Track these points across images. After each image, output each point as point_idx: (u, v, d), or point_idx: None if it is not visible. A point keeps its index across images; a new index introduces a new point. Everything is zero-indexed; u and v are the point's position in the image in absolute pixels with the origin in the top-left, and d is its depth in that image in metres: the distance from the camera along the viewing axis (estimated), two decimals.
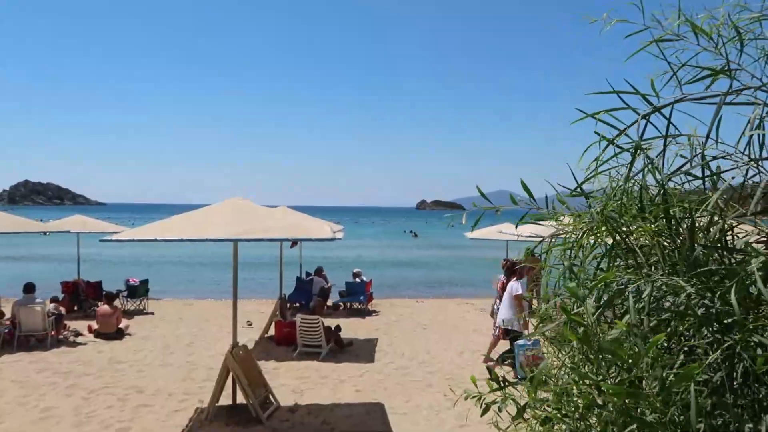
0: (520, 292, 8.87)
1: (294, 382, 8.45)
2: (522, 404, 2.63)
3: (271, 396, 7.30)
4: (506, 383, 2.80)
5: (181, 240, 6.03)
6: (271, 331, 11.45)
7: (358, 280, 15.57)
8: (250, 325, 12.97)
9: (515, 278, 9.15)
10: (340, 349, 10.53)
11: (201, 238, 6.12)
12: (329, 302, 15.64)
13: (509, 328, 9.00)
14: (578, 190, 2.34)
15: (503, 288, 9.53)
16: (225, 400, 7.19)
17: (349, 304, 15.40)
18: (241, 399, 7.03)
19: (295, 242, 16.64)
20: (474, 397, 2.75)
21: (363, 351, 10.52)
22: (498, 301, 10.04)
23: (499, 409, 2.73)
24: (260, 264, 28.40)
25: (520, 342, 8.14)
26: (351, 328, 12.71)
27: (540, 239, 2.68)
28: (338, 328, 10.85)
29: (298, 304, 14.75)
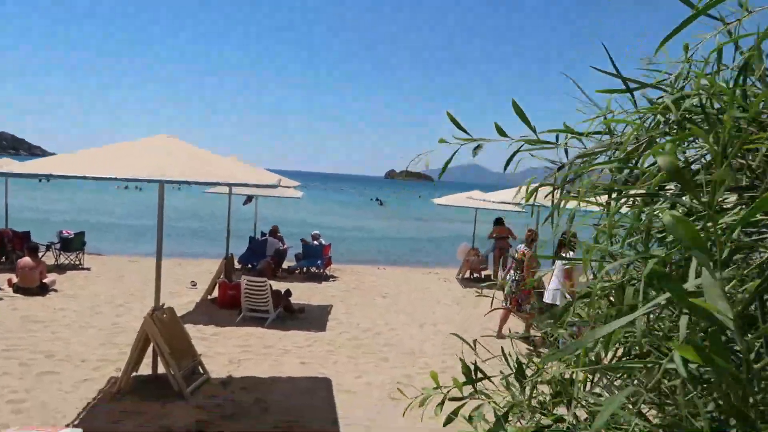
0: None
1: (232, 351, 7.44)
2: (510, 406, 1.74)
3: (200, 367, 6.28)
4: (480, 376, 1.87)
5: (85, 178, 4.87)
6: (216, 294, 10.39)
7: (316, 242, 14.54)
8: (194, 285, 11.87)
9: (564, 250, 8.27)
10: (289, 316, 9.56)
11: (115, 176, 4.97)
12: (284, 265, 14.61)
13: (554, 303, 8.10)
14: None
15: (521, 259, 8.58)
16: (145, 370, 6.16)
17: (305, 268, 14.39)
18: (163, 370, 5.99)
19: (249, 198, 15.49)
20: (427, 399, 1.84)
21: (315, 319, 9.56)
22: (512, 272, 8.94)
23: (470, 418, 1.83)
24: (218, 220, 26.94)
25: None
26: (305, 294, 11.73)
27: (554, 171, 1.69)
28: (288, 292, 9.85)
29: (250, 266, 13.67)
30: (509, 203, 10.97)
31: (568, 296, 7.98)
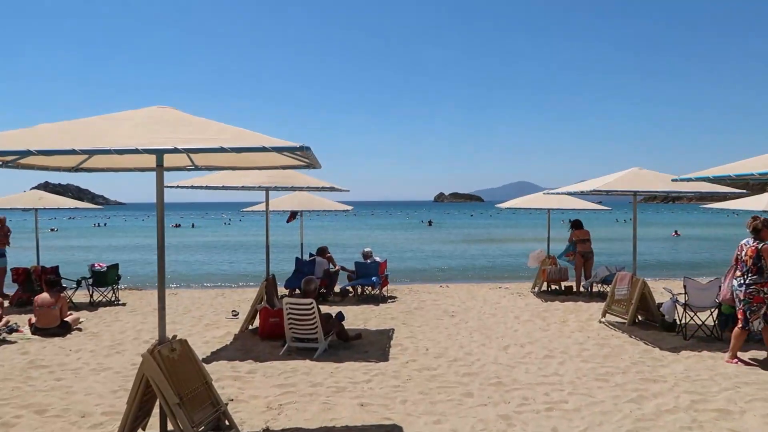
0: None
1: (272, 393, 5.83)
2: None
3: (226, 419, 4.69)
4: None
5: (74, 152, 3.41)
6: (257, 324, 8.87)
7: (369, 260, 12.92)
8: (236, 315, 10.41)
9: None
10: (343, 344, 7.92)
11: (104, 148, 3.50)
12: (336, 288, 13.05)
13: None
14: None
15: (752, 256, 6.72)
16: (152, 427, 4.61)
17: (360, 288, 12.76)
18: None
19: (293, 215, 14.07)
20: None
21: (374, 346, 7.88)
22: (738, 276, 6.96)
23: None
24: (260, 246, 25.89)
25: None
26: (360, 318, 10.09)
27: None
28: (340, 315, 8.21)
29: (298, 291, 12.17)
30: (601, 192, 9.04)
31: None
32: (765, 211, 13.42)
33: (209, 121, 4.24)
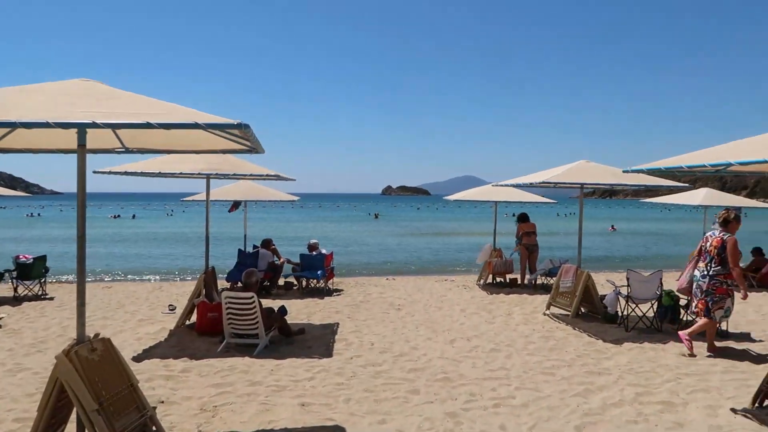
0: None
1: (206, 393, 5.47)
2: None
3: (153, 424, 4.31)
4: None
5: None
6: (194, 319, 8.42)
7: (314, 252, 12.58)
8: (172, 310, 9.90)
9: None
10: (285, 340, 7.60)
11: (8, 120, 3.06)
12: (280, 281, 12.66)
13: None
14: None
15: (716, 246, 6.81)
16: None
17: (304, 281, 12.42)
18: None
19: (236, 204, 13.57)
20: None
21: (318, 341, 7.59)
22: (701, 266, 7.08)
23: None
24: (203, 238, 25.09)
25: None
26: (304, 311, 9.77)
27: None
28: (283, 309, 7.88)
29: (240, 284, 11.71)
30: (550, 183, 9.02)
31: None
32: (701, 206, 13.90)
33: (139, 96, 3.83)
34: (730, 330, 8.17)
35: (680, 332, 7.16)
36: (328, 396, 5.39)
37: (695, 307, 7.07)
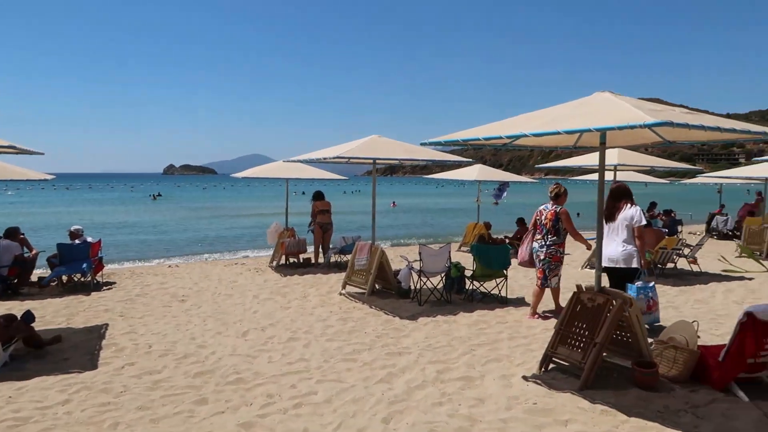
0: (644, 222, 6.61)
1: None
2: None
3: None
4: None
5: None
6: None
7: (77, 241, 10.70)
8: None
9: (629, 204, 6.69)
10: (34, 352, 6.12)
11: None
12: (33, 277, 10.54)
13: (620, 266, 6.61)
14: None
15: (551, 219, 7.35)
16: None
17: (65, 277, 10.48)
18: None
19: None
20: None
21: (78, 350, 6.24)
22: (531, 237, 7.64)
23: None
24: None
25: (640, 284, 6.58)
26: (63, 313, 8.12)
27: None
28: (29, 315, 6.33)
29: None
30: (343, 158, 8.67)
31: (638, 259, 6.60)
32: (476, 181, 14.97)
33: None
34: (508, 296, 8.76)
35: (527, 317, 7.61)
36: (89, 423, 4.31)
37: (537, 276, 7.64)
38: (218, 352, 6.17)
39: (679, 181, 23.59)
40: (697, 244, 11.84)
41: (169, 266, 13.47)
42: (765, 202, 18.55)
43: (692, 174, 23.72)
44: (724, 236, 18.97)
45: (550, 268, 7.44)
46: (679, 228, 19.01)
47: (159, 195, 70.04)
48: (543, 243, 7.44)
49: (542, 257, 7.45)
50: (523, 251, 7.86)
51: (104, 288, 10.18)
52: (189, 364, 5.73)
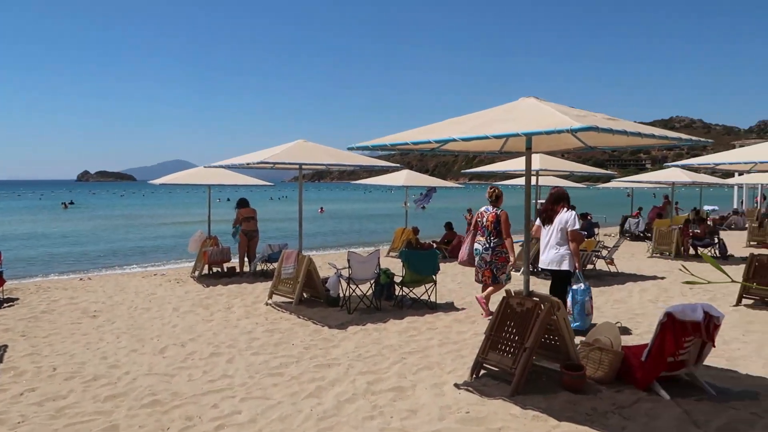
0: (577, 226, 6.80)
1: None
2: None
3: None
4: None
5: None
6: None
7: None
8: None
9: (565, 208, 6.91)
10: None
11: None
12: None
13: (553, 269, 6.85)
14: None
15: (492, 221, 7.60)
16: None
17: None
18: None
19: None
20: None
21: None
22: (481, 240, 7.75)
23: None
24: None
25: (582, 287, 6.83)
26: None
27: None
28: None
29: None
30: (268, 164, 8.36)
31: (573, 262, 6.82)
32: (403, 186, 14.98)
33: None
34: (438, 301, 8.74)
35: (477, 296, 7.88)
36: None
37: (482, 277, 7.74)
38: (132, 371, 5.72)
39: (593, 186, 24.73)
40: (614, 246, 12.35)
41: (81, 279, 12.59)
42: (672, 205, 19.74)
43: (606, 178, 24.90)
44: (636, 237, 19.98)
45: (498, 267, 7.66)
46: (596, 230, 19.90)
47: (71, 203, 66.15)
48: (487, 246, 7.64)
49: (488, 259, 7.64)
50: (463, 251, 8.02)
51: (5, 305, 9.32)
52: (99, 387, 5.27)
